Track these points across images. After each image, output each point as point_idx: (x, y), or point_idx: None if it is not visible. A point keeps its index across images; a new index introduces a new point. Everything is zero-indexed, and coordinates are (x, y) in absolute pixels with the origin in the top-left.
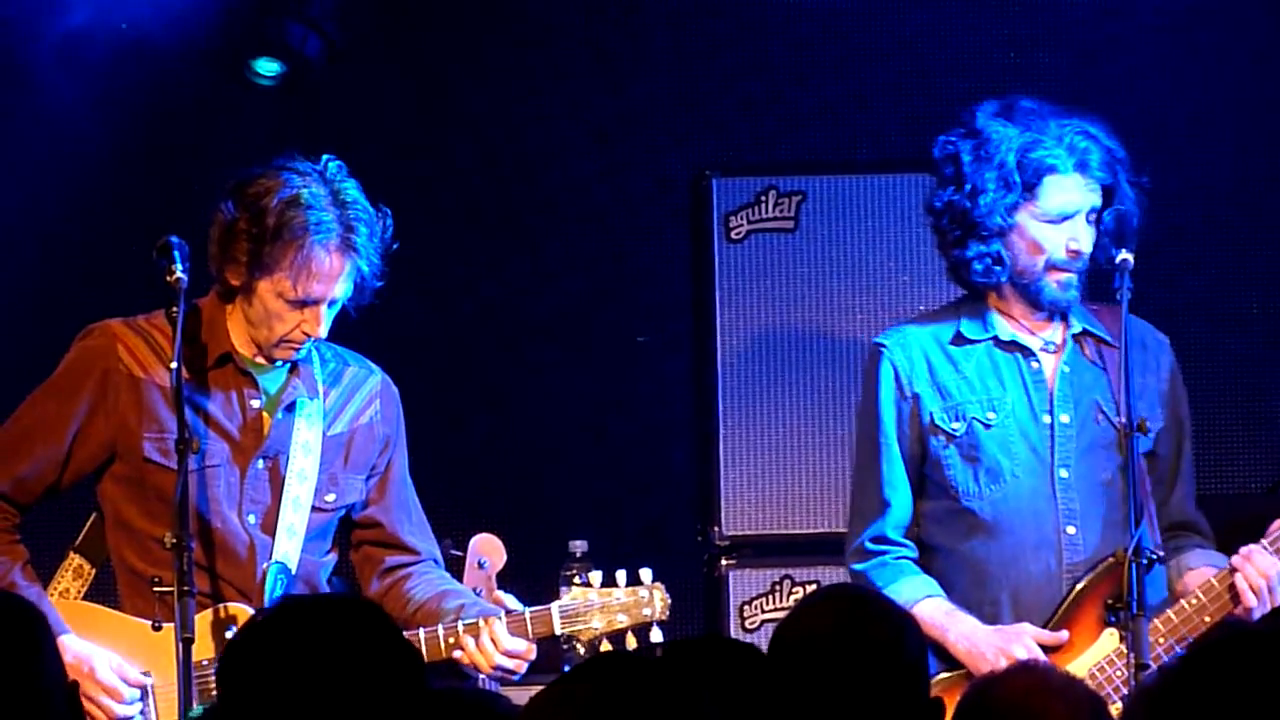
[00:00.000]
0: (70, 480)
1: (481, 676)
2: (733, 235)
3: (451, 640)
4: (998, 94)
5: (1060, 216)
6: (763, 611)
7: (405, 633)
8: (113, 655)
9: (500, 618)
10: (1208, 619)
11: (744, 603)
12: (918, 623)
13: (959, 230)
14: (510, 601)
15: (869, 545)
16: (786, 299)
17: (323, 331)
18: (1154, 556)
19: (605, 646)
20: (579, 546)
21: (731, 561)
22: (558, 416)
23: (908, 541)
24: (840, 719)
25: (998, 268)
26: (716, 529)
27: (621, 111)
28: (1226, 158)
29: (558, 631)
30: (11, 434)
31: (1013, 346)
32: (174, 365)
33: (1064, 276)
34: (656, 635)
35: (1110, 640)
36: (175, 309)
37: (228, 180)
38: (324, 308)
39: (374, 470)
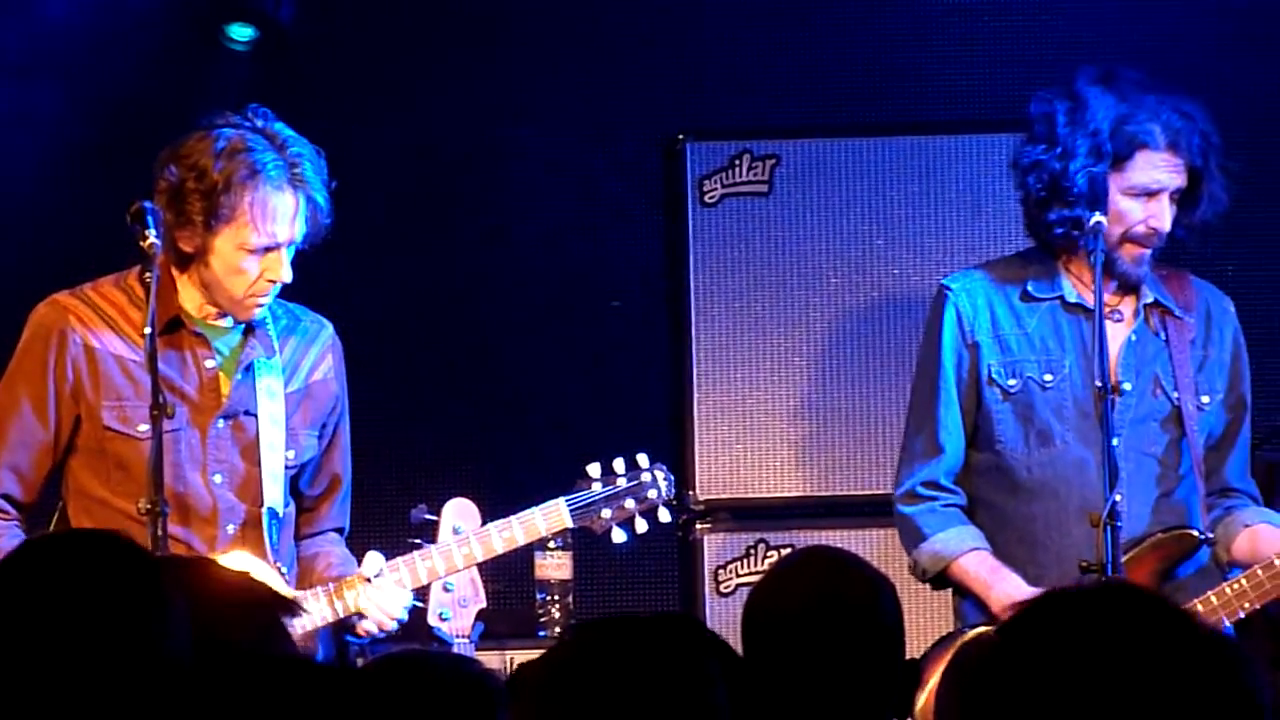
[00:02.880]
0: (63, 460)
1: (459, 640)
2: (706, 199)
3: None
4: (970, 55)
5: (1145, 192)
6: (737, 576)
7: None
8: None
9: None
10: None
11: (719, 567)
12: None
13: (1044, 191)
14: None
15: (920, 489)
16: (760, 262)
17: (287, 275)
18: (1208, 536)
19: (618, 535)
20: None
21: (706, 526)
22: (531, 381)
23: (958, 489)
24: (816, 683)
25: (1076, 232)
26: (691, 493)
27: (594, 76)
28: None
29: (569, 525)
30: None
31: (1078, 309)
32: (148, 331)
33: (1139, 251)
34: (665, 516)
35: None
36: (149, 274)
37: (159, 152)
38: (284, 251)
39: (324, 430)
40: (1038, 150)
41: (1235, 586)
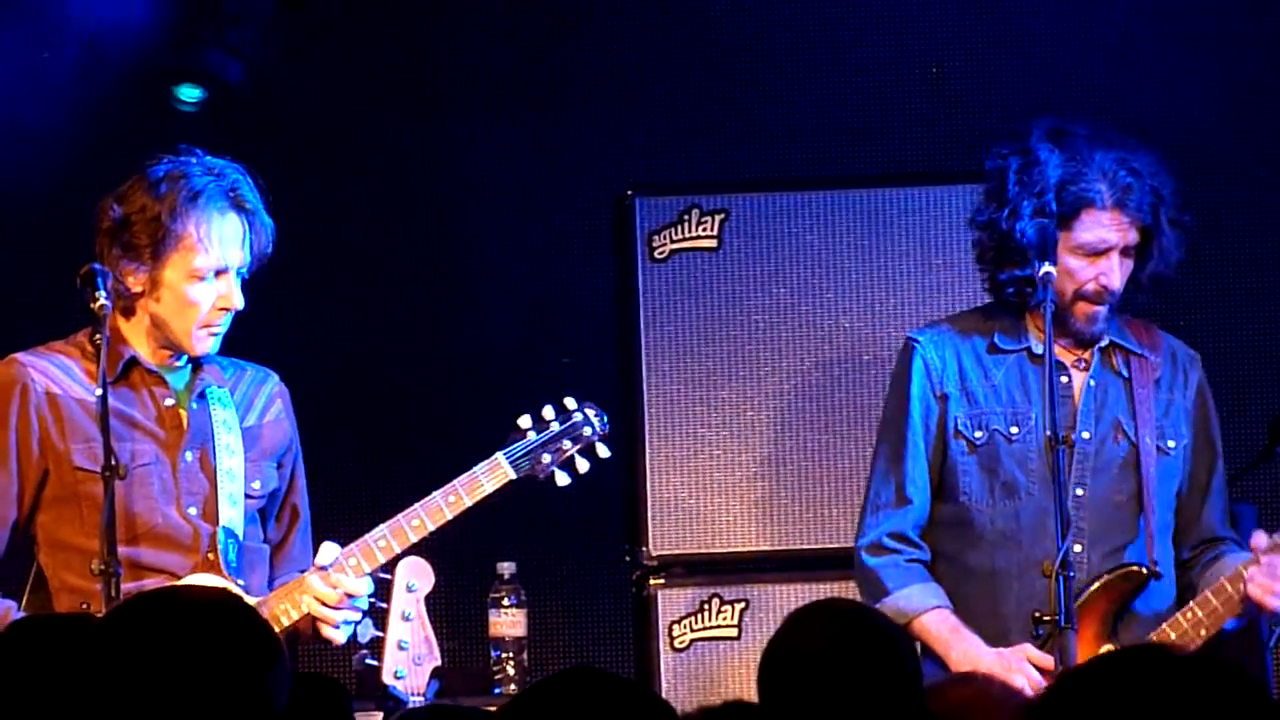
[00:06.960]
0: (29, 512)
1: (414, 698)
2: (656, 254)
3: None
4: (918, 108)
5: (1093, 251)
6: (692, 630)
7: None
8: None
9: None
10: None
11: (673, 622)
12: (908, 636)
13: (994, 251)
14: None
15: (886, 540)
16: (711, 317)
17: (239, 301)
18: (1154, 570)
19: (561, 478)
20: (507, 568)
21: (660, 581)
22: (483, 438)
23: (924, 543)
24: None
25: (1028, 289)
26: (644, 549)
27: (543, 132)
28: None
29: (512, 476)
30: None
31: (1045, 360)
32: (99, 392)
33: (1091, 309)
34: (604, 451)
35: None
36: (99, 336)
37: (93, 206)
38: (233, 276)
39: (281, 467)
40: (990, 209)
41: (1190, 616)
